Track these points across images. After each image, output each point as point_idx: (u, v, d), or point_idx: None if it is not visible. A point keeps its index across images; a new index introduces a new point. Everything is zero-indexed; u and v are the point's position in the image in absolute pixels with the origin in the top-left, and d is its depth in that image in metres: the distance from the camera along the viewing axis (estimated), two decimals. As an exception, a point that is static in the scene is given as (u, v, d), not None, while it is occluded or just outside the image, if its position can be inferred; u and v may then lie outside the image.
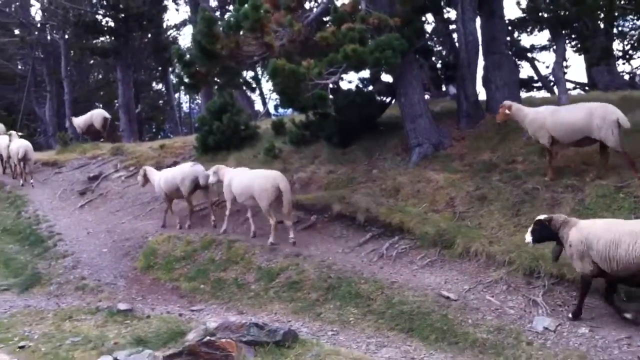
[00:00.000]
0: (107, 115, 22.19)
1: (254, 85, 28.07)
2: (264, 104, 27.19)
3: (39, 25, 32.93)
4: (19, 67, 36.15)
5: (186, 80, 13.21)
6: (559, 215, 7.57)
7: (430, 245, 9.52)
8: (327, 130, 13.89)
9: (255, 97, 28.56)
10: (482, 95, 14.17)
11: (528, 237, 7.57)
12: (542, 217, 7.54)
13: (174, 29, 34.27)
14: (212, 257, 10.68)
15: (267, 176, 10.69)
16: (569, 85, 18.64)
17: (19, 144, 17.21)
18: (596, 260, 6.88)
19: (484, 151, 11.87)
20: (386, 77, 15.06)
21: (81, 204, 15.29)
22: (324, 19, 13.17)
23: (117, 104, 33.02)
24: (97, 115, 21.95)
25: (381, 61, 10.55)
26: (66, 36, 29.72)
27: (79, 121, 22.18)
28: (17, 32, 32.85)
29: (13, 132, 18.72)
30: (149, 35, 31.18)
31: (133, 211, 14.17)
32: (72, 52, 31.62)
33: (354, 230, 10.68)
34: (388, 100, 14.80)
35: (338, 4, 12.58)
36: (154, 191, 13.56)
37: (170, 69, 33.85)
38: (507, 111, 10.53)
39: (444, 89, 18.04)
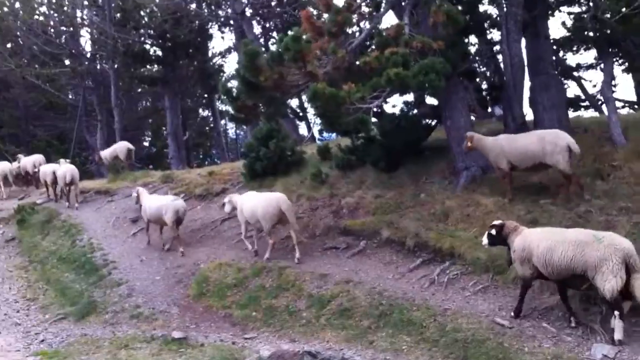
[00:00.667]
0: (131, 146, 23.05)
1: (300, 113, 28.36)
2: (309, 128, 27.42)
3: (89, 55, 33.89)
4: (70, 96, 37.24)
5: (235, 114, 13.52)
6: (511, 223, 8.47)
7: (483, 270, 9.43)
8: (373, 154, 13.93)
9: (299, 121, 28.72)
10: (529, 116, 14.07)
11: (484, 240, 8.58)
12: (496, 222, 8.49)
13: (220, 56, 34.85)
14: (263, 284, 10.77)
15: (269, 199, 11.55)
16: (618, 104, 18.27)
17: (65, 169, 18.04)
18: (537, 265, 7.75)
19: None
20: (431, 100, 15.09)
21: (133, 231, 15.56)
22: (367, 43, 13.36)
23: (165, 132, 33.72)
24: (121, 147, 22.83)
25: (425, 84, 10.57)
26: (115, 66, 30.47)
27: (106, 153, 23.05)
28: (68, 62, 33.89)
29: (62, 160, 19.70)
30: (195, 63, 31.81)
31: (184, 238, 14.39)
32: (121, 81, 32.41)
33: (403, 256, 10.67)
34: (433, 123, 14.79)
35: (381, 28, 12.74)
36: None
37: (216, 95, 34.50)
38: (469, 143, 11.68)
39: (489, 110, 17.93)
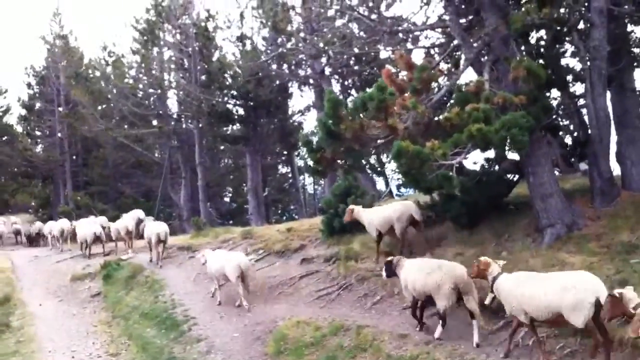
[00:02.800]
0: (142, 216, 22.40)
1: (379, 168, 28.41)
2: (387, 184, 27.34)
3: (175, 115, 35.40)
4: (157, 155, 38.82)
5: (313, 165, 13.65)
6: (399, 258, 11.01)
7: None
8: (453, 210, 13.67)
9: (377, 176, 28.73)
10: (616, 171, 13.52)
11: (383, 273, 11.06)
12: (389, 258, 11.07)
13: (299, 114, 35.59)
14: (340, 344, 10.59)
15: (232, 259, 13.99)
16: None
17: (157, 227, 18.64)
18: (410, 290, 10.29)
19: (623, 231, 11.19)
20: (513, 155, 14.74)
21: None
22: (446, 99, 13.33)
23: (245, 188, 34.45)
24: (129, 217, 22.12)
25: (507, 140, 10.41)
26: (200, 125, 31.65)
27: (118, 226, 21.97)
28: (155, 122, 35.45)
29: (150, 218, 20.42)
30: (276, 121, 32.61)
31: (263, 294, 14.43)
32: (205, 139, 33.50)
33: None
34: (515, 178, 14.42)
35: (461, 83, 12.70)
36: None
37: (295, 152, 35.12)
38: (351, 214, 14.66)
39: (573, 165, 17.36)
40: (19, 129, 44.43)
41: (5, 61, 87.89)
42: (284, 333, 11.65)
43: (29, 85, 44.15)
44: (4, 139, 39.78)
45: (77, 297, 17.70)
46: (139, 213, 22.44)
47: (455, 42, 13.73)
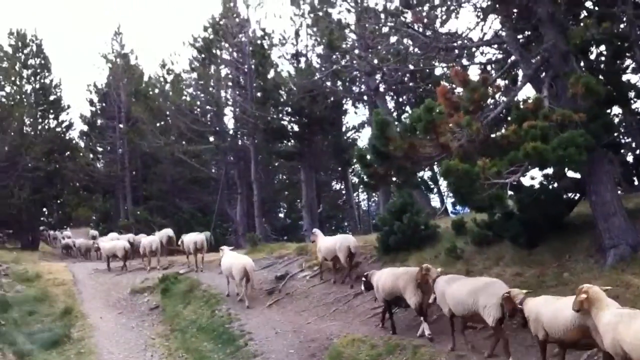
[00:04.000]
0: (172, 234, 24.49)
1: (432, 186, 28.14)
2: (442, 201, 27.05)
3: (231, 132, 35.90)
4: (213, 171, 39.41)
5: (366, 179, 13.68)
6: (372, 271, 13.17)
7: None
8: (511, 230, 13.40)
9: (432, 193, 28.43)
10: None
11: (362, 286, 13.29)
12: (365, 273, 13.29)
13: (353, 131, 35.65)
14: (396, 363, 10.51)
15: (239, 261, 16.22)
16: None
17: (195, 237, 20.50)
18: (382, 294, 12.20)
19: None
20: (573, 173, 14.40)
21: (269, 303, 15.91)
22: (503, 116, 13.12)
23: (300, 204, 34.63)
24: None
25: (564, 159, 10.16)
26: (255, 141, 32.01)
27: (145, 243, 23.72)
28: (212, 139, 35.99)
29: (206, 233, 21.30)
30: (330, 138, 32.75)
31: (317, 311, 14.48)
32: (260, 156, 33.87)
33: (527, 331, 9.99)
34: (576, 197, 14.05)
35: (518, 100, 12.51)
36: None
37: (349, 169, 35.12)
38: (313, 239, 18.01)
39: (636, 183, 16.82)
40: (81, 144, 45.86)
41: (69, 78, 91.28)
42: (339, 350, 11.66)
43: (91, 102, 45.60)
44: (66, 154, 40.98)
45: (136, 310, 18.13)
46: (168, 232, 24.68)
47: (513, 58, 13.57)
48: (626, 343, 6.59)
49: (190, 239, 21.20)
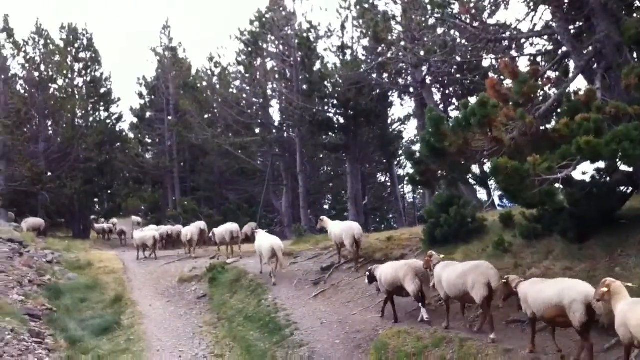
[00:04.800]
0: (204, 227, 26.00)
1: (483, 179, 27.83)
2: (489, 195, 26.70)
3: (277, 124, 36.20)
4: (259, 162, 39.78)
5: (417, 178, 13.61)
6: (375, 266, 13.96)
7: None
8: (561, 224, 13.14)
9: (479, 187, 28.12)
10: None
11: (366, 280, 14.02)
12: (370, 267, 14.13)
13: (399, 123, 35.51)
14: (443, 356, 10.45)
15: (268, 241, 17.65)
16: None
17: (230, 227, 21.18)
18: (385, 285, 13.06)
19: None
20: (626, 167, 14.07)
21: (315, 293, 16.02)
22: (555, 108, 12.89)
23: (345, 196, 34.70)
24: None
25: (618, 153, 9.95)
26: (301, 133, 32.19)
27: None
28: (258, 131, 36.45)
29: (252, 223, 21.41)
30: (376, 130, 32.68)
31: (363, 302, 14.51)
32: (305, 148, 34.09)
33: (597, 334, 9.83)
34: (629, 191, 13.73)
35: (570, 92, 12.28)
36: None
37: (395, 161, 34.99)
38: (320, 222, 19.31)
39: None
40: (131, 136, 46.83)
41: (119, 72, 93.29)
42: (385, 342, 11.66)
43: (141, 95, 46.59)
44: (117, 145, 41.94)
45: (184, 299, 18.50)
46: (201, 224, 26.05)
47: (564, 49, 13.34)
48: (632, 326, 7.63)
49: (226, 229, 22.43)
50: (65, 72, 39.66)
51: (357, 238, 16.62)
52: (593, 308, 8.42)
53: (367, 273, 13.93)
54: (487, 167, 18.90)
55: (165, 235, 28.68)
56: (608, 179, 14.02)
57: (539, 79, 12.32)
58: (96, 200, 40.63)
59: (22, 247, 22.95)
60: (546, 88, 13.16)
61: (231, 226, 22.39)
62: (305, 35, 32.52)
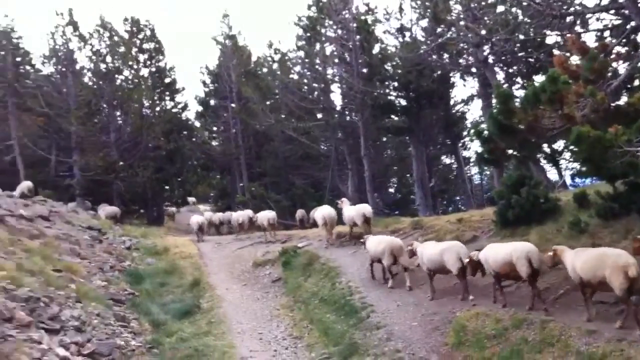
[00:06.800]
0: (251, 214, 27.51)
1: (556, 157, 27.32)
2: (560, 174, 26.11)
3: (339, 108, 36.28)
4: (323, 147, 40.01)
5: (486, 156, 13.56)
6: (367, 236, 16.67)
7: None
8: (639, 202, 12.91)
9: (550, 166, 27.61)
10: None
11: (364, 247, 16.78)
12: (361, 240, 16.83)
13: (463, 104, 35.11)
14: (525, 337, 10.42)
15: (320, 211, 21.36)
16: None
17: (325, 211, 21.18)
18: (371, 255, 15.75)
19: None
20: None
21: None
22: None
23: (410, 179, 34.63)
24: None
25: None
26: (364, 117, 32.21)
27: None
28: (320, 116, 36.72)
29: (345, 200, 22.21)
30: (439, 112, 32.41)
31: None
32: (369, 131, 34.00)
33: None
34: None
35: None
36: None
37: (459, 143, 34.64)
38: (341, 203, 21.48)
39: None
40: (197, 124, 47.77)
41: (184, 61, 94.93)
42: (463, 324, 11.73)
43: (204, 84, 47.44)
44: (184, 133, 42.88)
45: (259, 282, 18.98)
46: (249, 212, 27.96)
47: (633, 23, 13.02)
48: (578, 268, 10.05)
49: (264, 215, 24.85)
50: (130, 63, 40.72)
51: (367, 216, 19.38)
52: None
53: (363, 243, 16.88)
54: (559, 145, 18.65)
55: (218, 221, 33.01)
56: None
57: (609, 55, 12.08)
58: (167, 187, 41.58)
59: (101, 234, 23.81)
60: (613, 64, 12.91)
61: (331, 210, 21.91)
62: (363, 18, 32.47)
